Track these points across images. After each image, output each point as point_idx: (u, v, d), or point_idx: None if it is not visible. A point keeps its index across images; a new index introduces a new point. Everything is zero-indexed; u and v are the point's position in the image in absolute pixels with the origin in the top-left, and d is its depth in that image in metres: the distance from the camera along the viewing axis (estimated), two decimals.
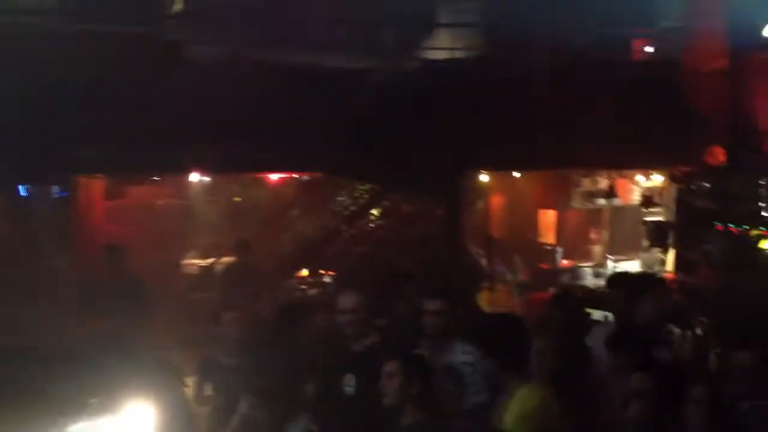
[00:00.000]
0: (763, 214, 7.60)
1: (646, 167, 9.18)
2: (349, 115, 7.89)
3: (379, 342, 4.62)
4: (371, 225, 11.31)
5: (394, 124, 8.10)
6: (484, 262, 9.40)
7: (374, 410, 4.00)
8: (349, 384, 4.50)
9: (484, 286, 8.79)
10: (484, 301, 8.25)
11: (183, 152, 7.56)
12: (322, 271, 10.79)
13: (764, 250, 7.65)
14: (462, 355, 4.78)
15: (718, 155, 7.89)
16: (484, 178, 10.16)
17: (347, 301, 4.75)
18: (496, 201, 10.65)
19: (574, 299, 7.16)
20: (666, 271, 8.95)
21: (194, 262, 10.37)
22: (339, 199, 11.94)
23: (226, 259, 9.26)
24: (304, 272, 10.87)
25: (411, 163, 8.44)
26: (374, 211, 11.42)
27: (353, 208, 11.18)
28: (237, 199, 11.86)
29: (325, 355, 4.66)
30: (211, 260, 10.06)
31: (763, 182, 7.59)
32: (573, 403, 4.32)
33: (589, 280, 9.92)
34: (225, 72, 7.32)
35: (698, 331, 6.88)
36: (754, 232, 7.69)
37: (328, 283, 10.53)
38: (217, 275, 9.09)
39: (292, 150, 7.87)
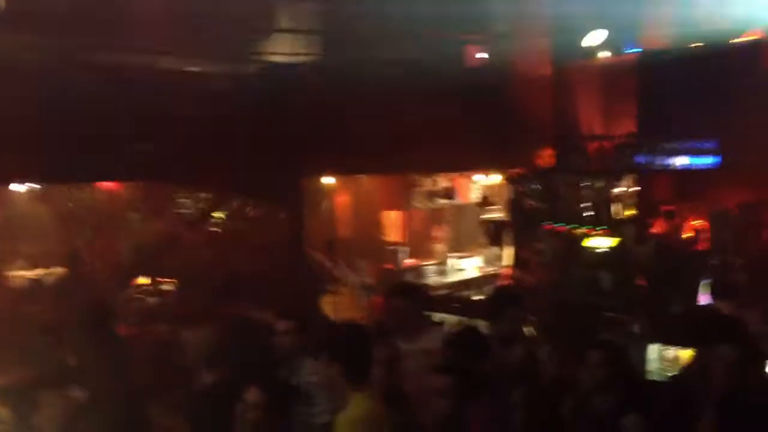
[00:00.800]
0: (587, 213, 8.06)
1: (482, 169, 9.56)
2: (187, 118, 7.68)
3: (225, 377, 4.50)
4: (214, 230, 11.05)
5: (235, 128, 7.98)
6: (328, 265, 9.43)
7: None
8: None
9: (329, 289, 8.82)
10: (328, 305, 8.26)
11: (4, 160, 7.07)
12: (162, 279, 10.44)
13: (588, 248, 8.11)
14: (309, 374, 4.75)
15: (547, 157, 8.33)
16: (327, 180, 10.20)
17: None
18: (341, 203, 10.70)
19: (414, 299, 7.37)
20: (503, 268, 9.36)
21: (21, 274, 9.74)
22: (180, 202, 11.59)
23: (56, 270, 8.78)
24: (143, 280, 10.47)
25: (253, 167, 8.36)
26: (217, 216, 11.18)
27: (195, 212, 10.89)
28: (70, 204, 11.25)
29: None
30: (40, 271, 9.50)
31: (586, 183, 8.05)
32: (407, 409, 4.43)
33: (432, 278, 10.21)
34: (50, 76, 6.90)
35: (530, 330, 7.23)
36: (579, 231, 8.15)
37: (168, 291, 10.20)
38: (46, 287, 8.60)
39: (125, 157, 7.55)
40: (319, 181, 10.02)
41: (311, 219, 9.82)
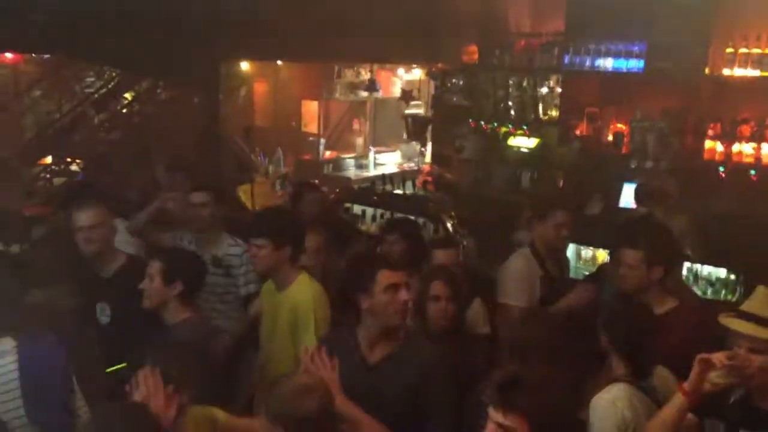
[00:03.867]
0: (511, 112, 7.96)
1: (406, 62, 9.29)
2: None
3: (128, 263, 4.33)
4: (124, 110, 10.54)
5: (148, 4, 7.47)
6: (244, 152, 9.15)
7: (132, 335, 3.76)
8: (105, 314, 4.23)
9: (246, 177, 8.59)
10: (245, 193, 8.07)
11: None
12: (69, 159, 9.99)
13: (510, 146, 8.06)
14: (230, 247, 4.87)
15: (472, 54, 8.10)
16: (245, 66, 9.76)
17: (84, 217, 4.34)
18: (259, 90, 10.32)
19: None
20: (424, 163, 9.28)
21: None
22: (88, 81, 10.99)
23: None
24: (48, 159, 9.99)
25: (165, 46, 7.89)
26: (127, 96, 10.65)
27: (103, 91, 10.33)
28: None
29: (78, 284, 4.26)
30: None
31: (511, 82, 7.91)
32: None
33: (352, 171, 10.08)
34: None
35: (448, 224, 7.21)
36: (503, 129, 8.07)
37: (76, 171, 9.80)
38: None
39: (25, 26, 6.97)
40: (236, 65, 9.58)
41: (228, 105, 9.44)
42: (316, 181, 7.22)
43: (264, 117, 10.27)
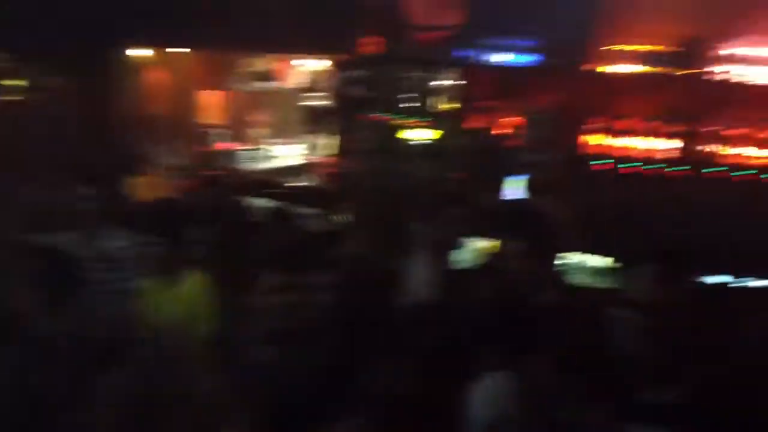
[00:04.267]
0: (405, 104, 8.07)
1: (306, 53, 9.25)
2: None
3: None
4: (8, 99, 10.02)
5: None
6: (137, 143, 8.90)
7: None
8: None
9: (138, 169, 8.35)
10: (138, 185, 7.87)
11: None
12: None
13: (409, 138, 8.17)
14: (116, 240, 4.72)
15: (371, 45, 8.15)
16: (139, 53, 9.46)
17: None
18: (154, 79, 10.00)
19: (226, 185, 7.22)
20: (325, 155, 9.27)
21: None
22: None
23: None
24: None
25: (53, 31, 7.58)
26: (12, 83, 10.13)
27: None
28: None
29: None
30: None
31: (410, 74, 8.01)
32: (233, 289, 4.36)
33: (252, 163, 9.95)
34: None
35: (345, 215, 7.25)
36: (401, 121, 8.17)
37: None
38: None
39: None
40: (129, 53, 9.28)
41: (121, 94, 9.15)
42: (213, 173, 7.10)
43: (159, 106, 9.98)
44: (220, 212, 5.82)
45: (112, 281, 4.61)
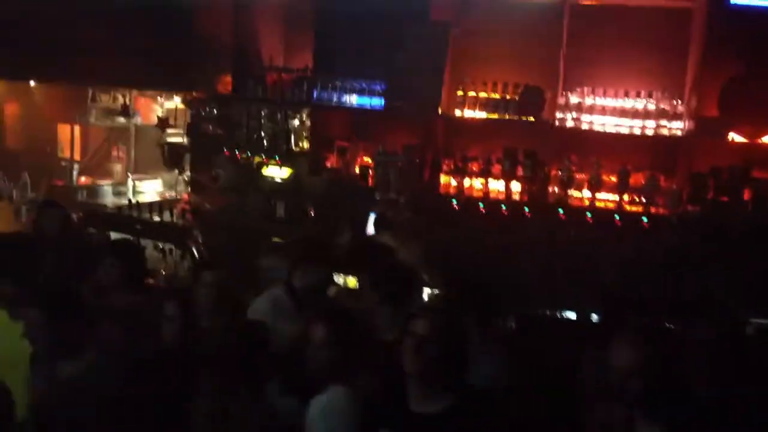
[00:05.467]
0: (261, 142, 8.19)
1: (160, 89, 9.26)
2: None
3: None
4: None
5: None
6: None
7: None
8: None
9: None
10: None
11: None
12: None
13: (264, 176, 8.27)
14: None
15: (226, 84, 8.27)
16: None
17: None
18: (9, 111, 9.78)
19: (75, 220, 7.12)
20: (183, 192, 9.24)
21: None
22: None
23: None
24: None
25: None
26: None
27: None
28: None
29: None
30: None
31: (264, 113, 8.15)
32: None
33: (109, 198, 9.81)
34: None
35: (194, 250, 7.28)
36: (257, 159, 8.27)
37: None
38: None
39: None
40: None
41: None
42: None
43: (15, 140, 9.75)
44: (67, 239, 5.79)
45: None
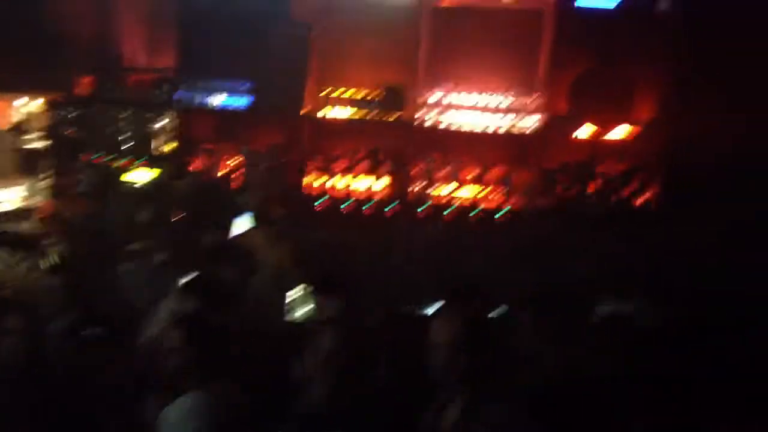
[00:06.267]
0: (124, 145, 8.00)
1: (16, 91, 8.86)
2: None
3: None
4: None
5: None
6: None
7: None
8: None
9: None
10: None
11: None
12: None
13: (127, 180, 8.07)
14: None
15: (85, 85, 8.01)
16: None
17: None
18: None
19: None
20: (42, 198, 8.88)
21: None
22: None
23: None
24: None
25: None
26: None
27: None
28: None
29: None
30: None
31: (126, 115, 7.95)
32: None
33: None
34: None
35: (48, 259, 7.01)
36: (118, 163, 8.06)
37: None
38: None
39: None
40: None
41: None
42: None
43: None
44: None
45: None
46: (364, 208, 7.57)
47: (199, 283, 4.86)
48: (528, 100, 7.30)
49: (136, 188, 8.00)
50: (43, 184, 8.67)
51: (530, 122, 7.27)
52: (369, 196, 7.53)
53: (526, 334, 3.89)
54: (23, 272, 6.84)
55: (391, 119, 7.65)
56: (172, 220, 7.85)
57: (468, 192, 7.41)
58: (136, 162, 8.00)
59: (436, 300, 6.35)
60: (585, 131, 7.01)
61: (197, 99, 7.81)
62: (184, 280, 4.63)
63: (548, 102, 7.21)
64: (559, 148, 7.10)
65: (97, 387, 3.81)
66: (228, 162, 8.03)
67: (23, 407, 3.64)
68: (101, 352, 4.00)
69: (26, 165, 8.68)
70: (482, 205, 7.22)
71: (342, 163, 7.69)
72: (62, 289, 4.76)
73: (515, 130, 7.29)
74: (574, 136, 7.03)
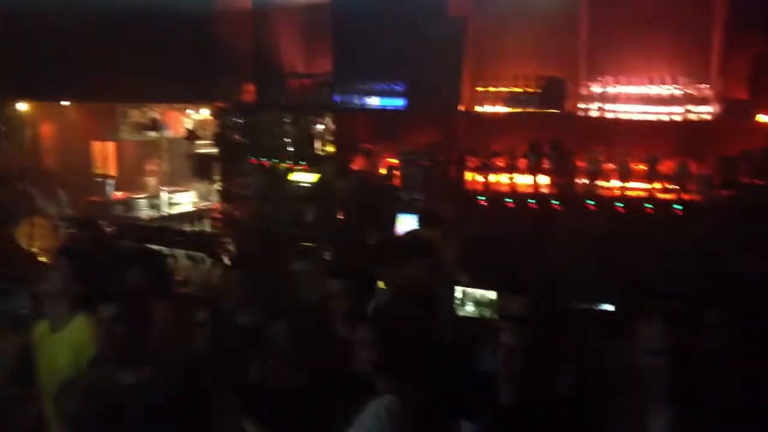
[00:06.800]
0: (287, 148, 8.24)
1: (185, 102, 9.39)
2: None
3: None
4: None
5: None
6: (26, 193, 8.90)
7: None
8: None
9: (24, 220, 8.36)
10: (23, 235, 7.90)
11: None
12: None
13: (291, 182, 8.32)
14: None
15: (249, 93, 8.33)
16: (27, 107, 9.50)
17: None
18: (45, 131, 10.01)
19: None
20: (214, 202, 9.37)
21: None
22: None
23: None
24: None
25: None
26: None
27: None
28: None
29: None
30: None
31: (288, 120, 8.20)
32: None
33: (144, 211, 9.98)
34: None
35: (225, 258, 7.36)
36: (282, 166, 8.33)
37: None
38: None
39: None
40: (14, 106, 9.31)
41: (8, 145, 9.18)
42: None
43: (51, 159, 9.98)
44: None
45: None
46: (527, 203, 7.39)
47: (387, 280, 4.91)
48: (700, 86, 6.83)
49: (301, 189, 8.24)
50: (214, 187, 9.13)
51: (704, 109, 6.80)
52: (531, 191, 7.34)
53: (717, 339, 3.64)
54: (204, 270, 7.28)
55: (552, 112, 7.41)
56: (337, 218, 8.06)
57: (637, 186, 7.06)
58: (300, 164, 8.24)
59: (617, 298, 6.11)
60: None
61: (355, 101, 7.92)
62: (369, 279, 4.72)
63: (724, 86, 6.72)
64: (740, 135, 6.59)
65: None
66: (387, 161, 8.10)
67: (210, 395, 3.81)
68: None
69: (199, 170, 9.19)
70: (654, 199, 6.85)
71: (502, 160, 7.54)
72: (241, 285, 4.91)
73: (687, 118, 6.85)
74: (755, 120, 6.50)
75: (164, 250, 7.04)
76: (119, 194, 9.98)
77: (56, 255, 5.13)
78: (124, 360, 3.81)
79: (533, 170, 7.39)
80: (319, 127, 8.14)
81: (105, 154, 10.14)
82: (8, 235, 7.77)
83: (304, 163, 8.23)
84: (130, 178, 10.24)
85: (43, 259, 7.39)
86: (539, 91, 7.46)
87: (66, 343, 4.26)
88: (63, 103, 9.69)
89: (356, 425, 3.42)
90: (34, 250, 7.55)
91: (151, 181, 10.30)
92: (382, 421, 3.34)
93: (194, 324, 4.52)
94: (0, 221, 7.80)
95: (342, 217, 8.10)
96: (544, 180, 7.39)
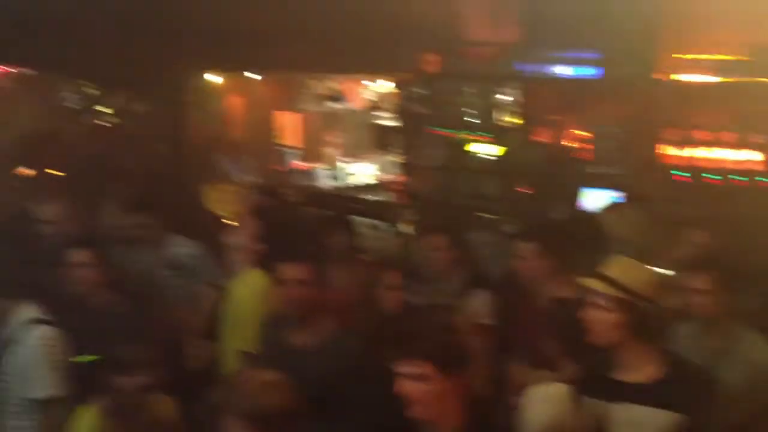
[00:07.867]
0: (469, 119, 8.06)
1: (367, 73, 9.38)
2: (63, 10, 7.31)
3: None
4: (100, 124, 10.63)
5: (116, 22, 7.65)
6: (212, 160, 9.33)
7: None
8: None
9: (213, 183, 8.76)
10: (212, 198, 8.30)
11: None
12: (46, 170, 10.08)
13: (474, 153, 8.15)
14: (184, 248, 5.44)
15: (432, 63, 8.18)
16: (216, 78, 9.89)
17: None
18: (231, 102, 10.39)
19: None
20: (394, 173, 9.37)
21: None
22: (65, 95, 11.06)
23: None
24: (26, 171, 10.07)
25: (135, 61, 8.05)
26: (104, 110, 10.75)
27: (78, 105, 10.43)
28: None
29: None
30: None
31: (472, 90, 8.00)
32: None
33: (324, 181, 10.18)
34: None
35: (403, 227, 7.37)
36: (465, 137, 8.16)
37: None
38: None
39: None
40: (205, 78, 9.72)
41: (198, 116, 9.61)
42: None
43: (235, 128, 10.36)
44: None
45: (178, 286, 5.29)
46: (730, 180, 6.85)
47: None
48: None
49: (483, 161, 8.06)
50: (395, 158, 9.13)
51: None
52: (736, 167, 6.78)
53: None
54: (389, 239, 7.33)
55: (762, 82, 6.79)
56: (519, 191, 7.82)
57: None
58: (483, 135, 8.04)
59: None
60: None
61: (542, 70, 7.60)
62: None
63: None
64: None
65: None
66: (575, 134, 7.74)
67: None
68: None
69: (379, 141, 9.21)
70: None
71: (704, 133, 7.00)
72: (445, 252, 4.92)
73: None
74: None
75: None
76: (300, 164, 10.22)
77: (244, 216, 5.42)
78: (303, 321, 3.88)
79: (738, 144, 6.83)
80: (503, 97, 7.88)
81: (287, 125, 10.40)
82: (199, 199, 8.18)
83: (487, 134, 8.02)
84: (311, 149, 10.45)
85: (230, 222, 7.68)
86: (748, 58, 6.86)
87: (243, 294, 4.66)
88: (248, 75, 9.99)
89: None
90: (223, 213, 7.87)
91: (331, 151, 10.46)
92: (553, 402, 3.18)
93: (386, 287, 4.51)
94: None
95: (525, 190, 7.85)
96: (749, 155, 6.83)
